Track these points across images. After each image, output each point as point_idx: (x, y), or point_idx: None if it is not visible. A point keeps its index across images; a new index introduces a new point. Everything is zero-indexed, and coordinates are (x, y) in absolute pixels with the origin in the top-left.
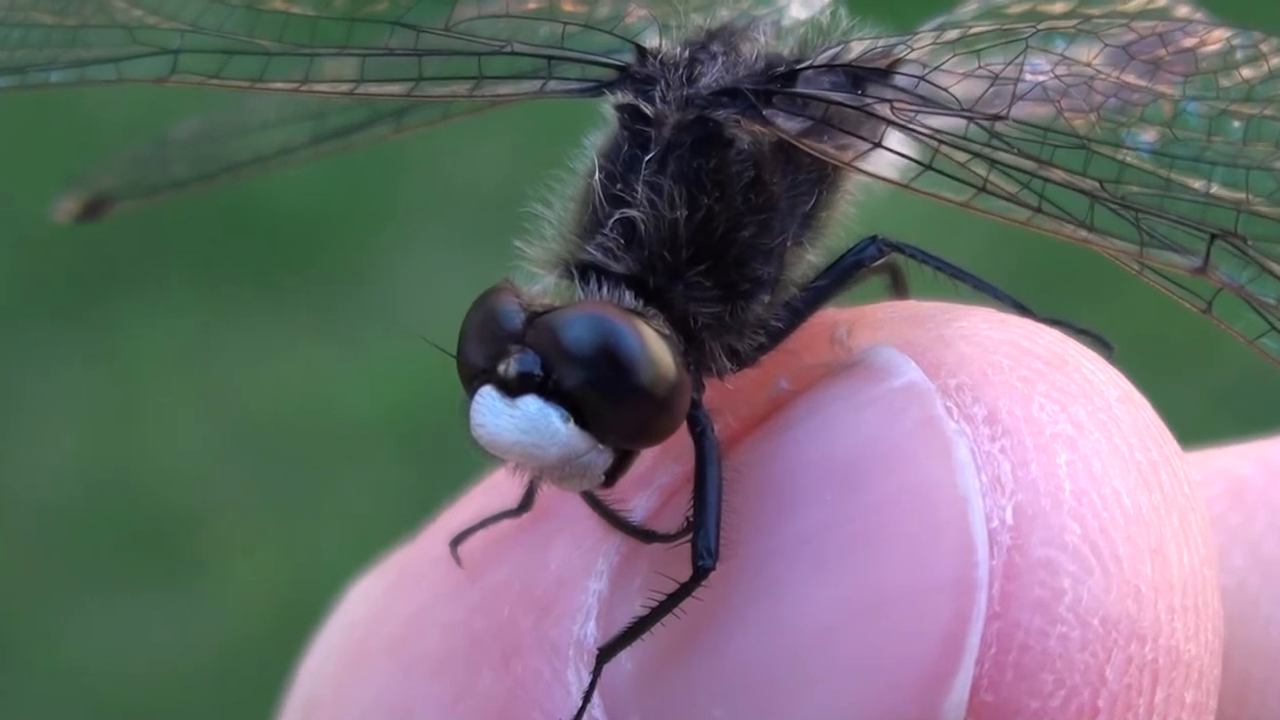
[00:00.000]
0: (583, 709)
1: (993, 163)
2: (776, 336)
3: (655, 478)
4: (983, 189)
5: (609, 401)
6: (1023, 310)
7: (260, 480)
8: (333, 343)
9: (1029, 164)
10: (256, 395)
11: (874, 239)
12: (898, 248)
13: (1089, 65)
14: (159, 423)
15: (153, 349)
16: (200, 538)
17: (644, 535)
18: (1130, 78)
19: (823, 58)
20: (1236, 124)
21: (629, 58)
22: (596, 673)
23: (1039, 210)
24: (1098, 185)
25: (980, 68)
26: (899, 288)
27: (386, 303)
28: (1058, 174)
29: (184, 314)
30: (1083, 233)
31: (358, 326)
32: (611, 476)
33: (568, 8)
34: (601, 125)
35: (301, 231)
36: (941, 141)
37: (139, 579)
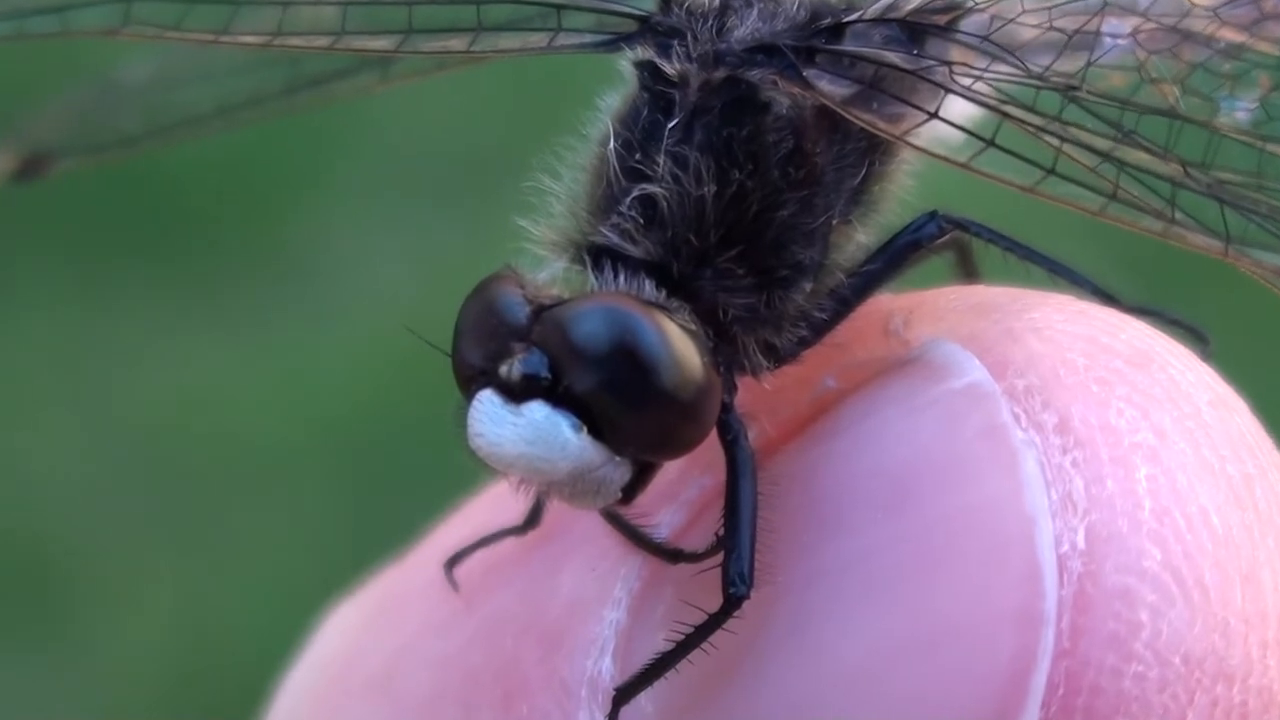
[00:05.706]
0: None
1: (1064, 138)
2: (821, 329)
3: (681, 491)
4: (1053, 170)
5: (627, 408)
6: (1106, 298)
7: (150, 509)
8: (242, 336)
9: (1105, 143)
10: (145, 402)
11: (934, 215)
12: (961, 225)
13: (1175, 26)
14: (22, 436)
15: (15, 343)
16: (72, 582)
17: (669, 554)
18: (1223, 41)
19: (875, 9)
20: None
21: (650, 6)
22: (613, 715)
23: (1114, 198)
24: (1180, 170)
25: (1052, 25)
26: (966, 270)
27: (311, 286)
28: (1136, 155)
29: (53, 299)
30: (1161, 224)
31: (273, 316)
32: (630, 493)
33: None
34: (619, 84)
35: (203, 193)
36: (1007, 114)
37: None
